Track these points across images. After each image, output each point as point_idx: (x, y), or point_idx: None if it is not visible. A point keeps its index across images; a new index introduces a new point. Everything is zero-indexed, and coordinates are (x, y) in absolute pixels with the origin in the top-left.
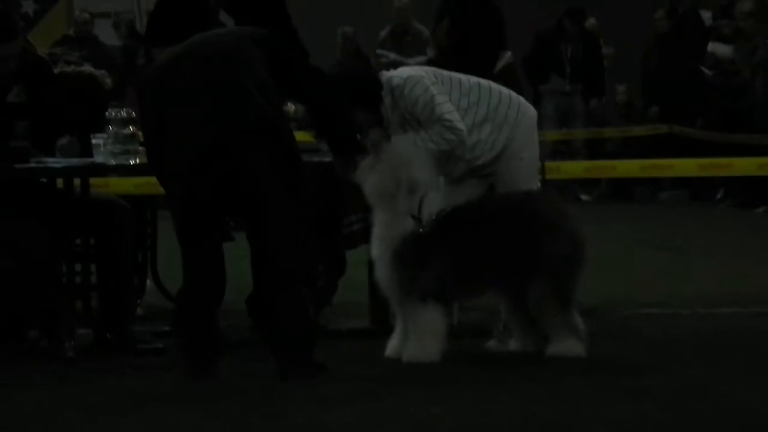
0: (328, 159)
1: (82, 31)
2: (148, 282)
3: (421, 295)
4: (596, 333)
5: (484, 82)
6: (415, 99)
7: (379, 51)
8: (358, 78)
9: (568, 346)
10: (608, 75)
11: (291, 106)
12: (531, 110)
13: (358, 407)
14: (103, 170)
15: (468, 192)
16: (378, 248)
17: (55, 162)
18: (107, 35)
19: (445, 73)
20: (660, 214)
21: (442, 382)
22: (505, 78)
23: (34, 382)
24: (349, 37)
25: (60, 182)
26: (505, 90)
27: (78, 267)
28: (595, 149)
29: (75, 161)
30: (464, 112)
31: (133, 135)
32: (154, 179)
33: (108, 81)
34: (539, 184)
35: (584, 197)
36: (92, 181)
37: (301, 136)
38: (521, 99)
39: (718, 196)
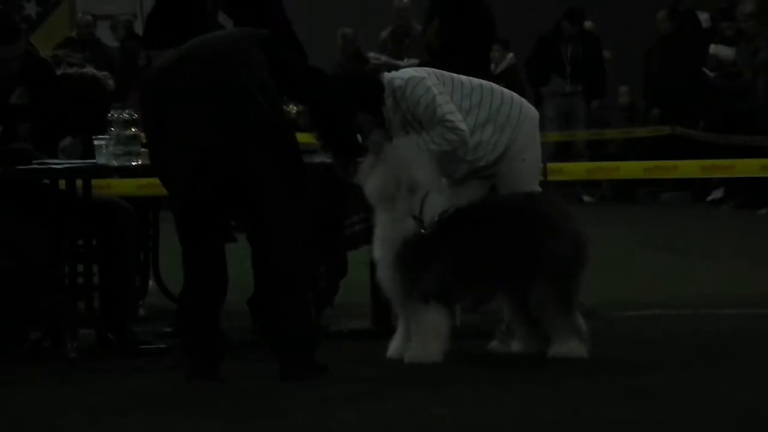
0: (329, 160)
1: (84, 33)
2: (150, 283)
3: (423, 296)
4: (598, 334)
5: (486, 83)
6: (417, 100)
7: (372, 54)
8: (360, 79)
9: (570, 347)
10: (610, 77)
11: (293, 108)
12: (533, 111)
13: (360, 408)
14: (105, 171)
15: (470, 193)
16: (380, 249)
17: (57, 163)
18: (109, 37)
19: (447, 74)
20: (662, 215)
21: (444, 383)
22: (508, 79)
23: (36, 383)
24: (349, 38)
25: (62, 183)
26: (507, 91)
27: (80, 268)
28: (596, 151)
29: (77, 163)
30: (466, 114)
31: (135, 136)
32: (156, 180)
33: (110, 83)
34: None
35: (586, 198)
36: (94, 182)
37: (303, 137)
38: (523, 100)
39: (711, 197)
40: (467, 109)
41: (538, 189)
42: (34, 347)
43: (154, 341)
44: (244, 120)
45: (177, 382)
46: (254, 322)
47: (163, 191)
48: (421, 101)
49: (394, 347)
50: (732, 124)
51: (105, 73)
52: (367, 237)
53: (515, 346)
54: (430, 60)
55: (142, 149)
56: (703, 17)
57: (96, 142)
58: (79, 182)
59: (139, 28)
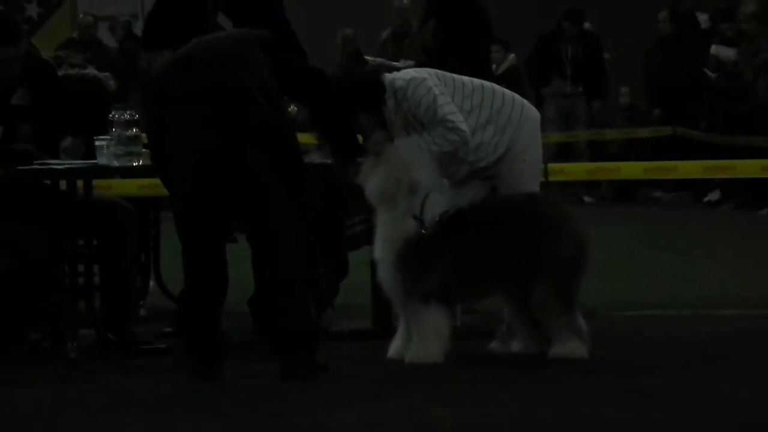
0: (328, 160)
1: (85, 34)
2: (151, 283)
3: (423, 297)
4: (599, 334)
5: (487, 84)
6: (418, 101)
7: (366, 58)
8: (361, 80)
9: (570, 347)
10: (611, 77)
11: (293, 108)
12: (534, 112)
13: (360, 408)
14: (106, 172)
15: (471, 194)
16: (381, 249)
17: (58, 164)
18: (111, 38)
19: (449, 75)
20: (663, 215)
21: (445, 384)
22: (509, 80)
23: (36, 383)
24: (349, 39)
25: (63, 184)
26: (508, 92)
27: (81, 268)
28: (597, 151)
29: (78, 163)
30: (467, 114)
31: (136, 137)
32: (157, 181)
33: (111, 84)
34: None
35: (587, 199)
36: (95, 182)
37: (304, 138)
38: (524, 101)
39: (707, 198)
40: (468, 109)
41: (539, 189)
42: (35, 347)
43: (154, 341)
44: (244, 120)
45: (177, 383)
46: (254, 322)
47: (164, 192)
48: (423, 102)
49: (394, 348)
50: (733, 125)
51: (106, 74)
52: (368, 237)
53: (516, 346)
54: (426, 61)
55: (143, 150)
56: (702, 18)
57: (97, 143)
58: (80, 182)
59: (138, 29)
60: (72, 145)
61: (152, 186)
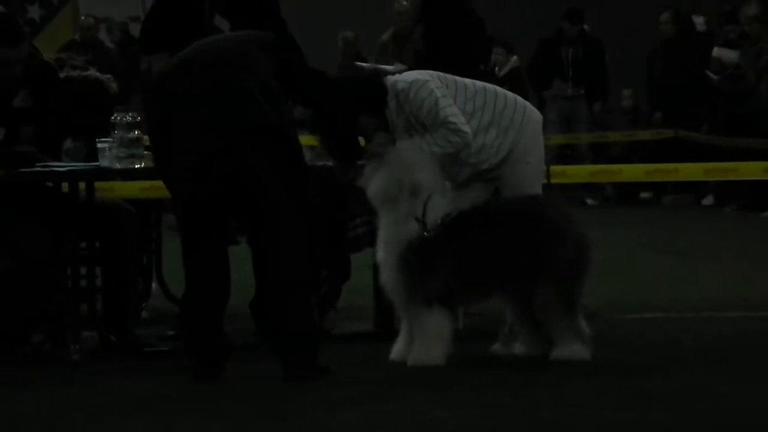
0: (330, 162)
1: (87, 36)
2: (153, 285)
3: (426, 299)
4: (600, 337)
5: (489, 86)
6: (420, 102)
7: (358, 63)
8: (363, 82)
9: (572, 349)
10: (613, 80)
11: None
12: (536, 114)
13: (362, 410)
14: (108, 174)
15: (473, 196)
16: (383, 252)
17: (60, 166)
18: (107, 40)
19: (451, 77)
20: (664, 218)
21: (447, 386)
22: (511, 82)
23: (38, 384)
24: (349, 41)
25: (65, 186)
26: (510, 94)
27: (83, 270)
28: (599, 154)
29: (80, 165)
30: (470, 116)
31: (138, 139)
32: (159, 183)
33: (113, 85)
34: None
35: (590, 201)
36: (97, 185)
37: (306, 140)
38: (527, 103)
39: (704, 201)
40: (471, 112)
41: (542, 192)
42: (37, 349)
43: (156, 344)
44: (244, 121)
45: (179, 385)
46: (256, 324)
47: (167, 194)
48: (425, 104)
49: (397, 350)
50: (735, 127)
51: (108, 75)
52: (370, 240)
53: (518, 348)
54: (417, 64)
55: (145, 152)
56: (699, 21)
57: (99, 145)
58: (82, 185)
59: (136, 31)
60: (74, 147)
61: (154, 188)
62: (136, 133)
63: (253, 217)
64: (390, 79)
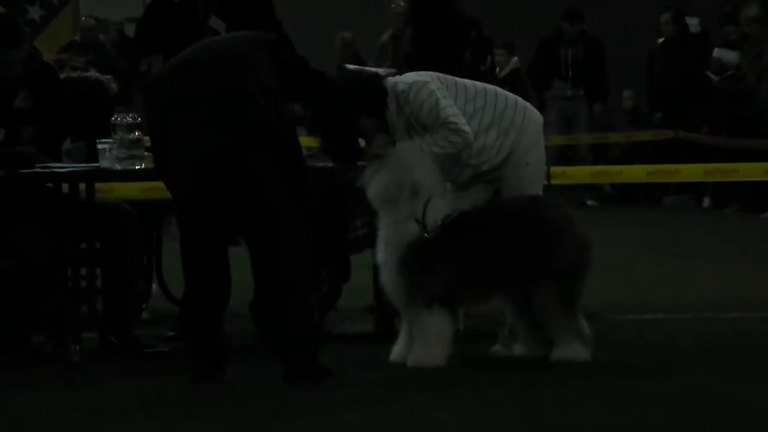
0: (330, 163)
1: (87, 37)
2: (154, 286)
3: (426, 300)
4: (601, 337)
5: (490, 87)
6: (420, 103)
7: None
8: (363, 83)
9: (573, 350)
10: (614, 80)
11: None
12: (537, 115)
13: (363, 411)
14: (108, 175)
15: (474, 197)
16: (383, 253)
17: (60, 167)
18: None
19: (451, 78)
20: (665, 218)
21: (447, 387)
22: (512, 83)
23: (38, 385)
24: (347, 42)
25: (66, 187)
26: (511, 95)
27: (83, 271)
28: (600, 154)
29: (81, 166)
30: (470, 117)
31: (138, 140)
32: (159, 184)
33: (114, 86)
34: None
35: (590, 202)
36: (98, 185)
37: (306, 141)
38: (527, 104)
39: (705, 204)
40: (471, 112)
41: (542, 193)
42: (37, 350)
43: (157, 344)
44: (244, 121)
45: (180, 385)
46: (256, 324)
47: (167, 195)
48: (425, 105)
49: (397, 351)
50: (736, 128)
51: (108, 76)
52: (370, 240)
53: (518, 349)
54: (407, 67)
55: (146, 153)
56: (692, 22)
57: (99, 146)
58: (82, 185)
59: (131, 32)
60: (74, 148)
61: (154, 189)
62: (137, 134)
63: (253, 218)
64: (390, 80)
